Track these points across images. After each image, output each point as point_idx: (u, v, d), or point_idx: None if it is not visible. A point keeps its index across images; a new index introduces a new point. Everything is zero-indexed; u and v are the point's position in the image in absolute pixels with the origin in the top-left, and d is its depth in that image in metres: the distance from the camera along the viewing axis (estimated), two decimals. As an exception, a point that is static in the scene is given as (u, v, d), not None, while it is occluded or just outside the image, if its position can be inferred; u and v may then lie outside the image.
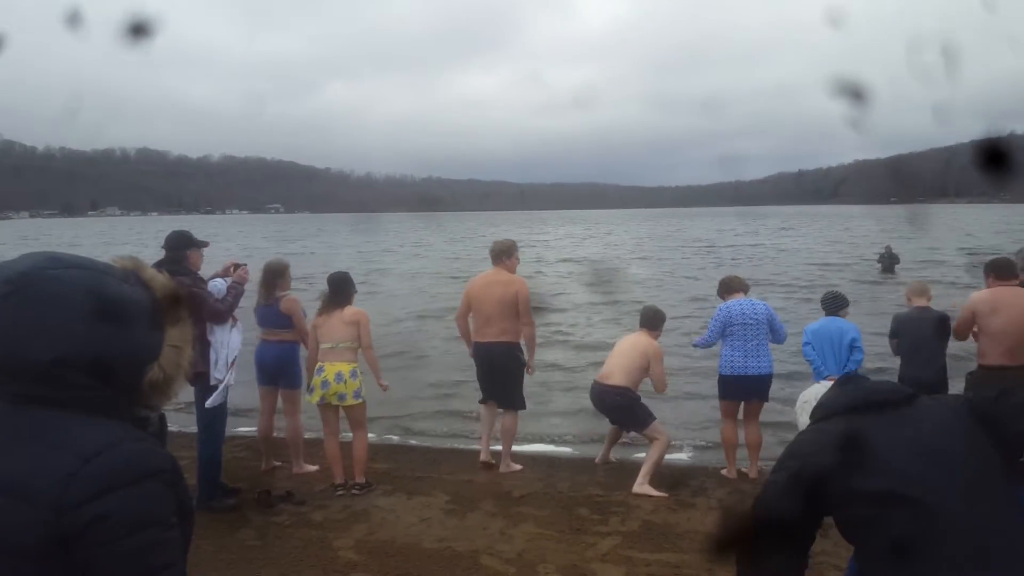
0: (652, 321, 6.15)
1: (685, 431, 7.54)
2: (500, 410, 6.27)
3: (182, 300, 1.30)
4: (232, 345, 5.13)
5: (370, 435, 6.20)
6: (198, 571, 4.04)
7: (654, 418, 5.88)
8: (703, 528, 4.83)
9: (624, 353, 6.00)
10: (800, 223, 77.79)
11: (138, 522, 1.09)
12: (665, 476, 5.94)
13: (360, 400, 5.52)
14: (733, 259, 31.39)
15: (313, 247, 43.75)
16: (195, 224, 5.34)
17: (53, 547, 1.06)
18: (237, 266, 5.26)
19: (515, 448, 6.53)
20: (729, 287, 6.21)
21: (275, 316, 5.80)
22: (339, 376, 5.39)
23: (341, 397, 5.43)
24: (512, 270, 6.18)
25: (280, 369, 5.85)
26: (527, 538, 4.73)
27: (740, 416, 6.09)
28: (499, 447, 6.24)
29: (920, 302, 5.94)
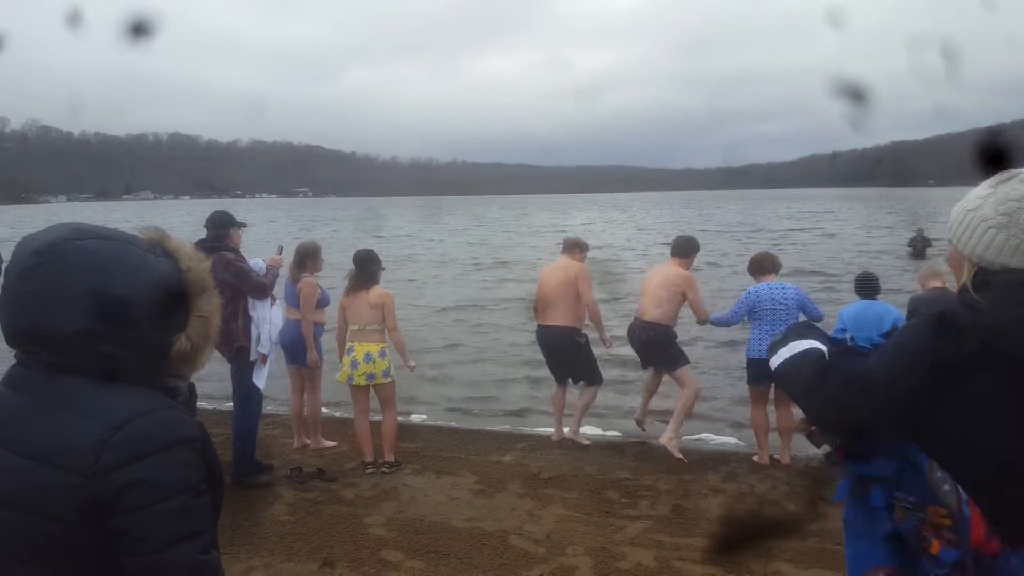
0: (683, 249, 6.08)
1: (713, 409, 7.49)
2: (576, 389, 6.48)
3: (208, 271, 1.29)
4: (274, 321, 5.30)
5: (413, 418, 6.58)
6: (232, 545, 4.15)
7: (687, 361, 5.80)
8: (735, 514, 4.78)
9: (655, 287, 5.96)
10: (835, 206, 76.38)
11: (169, 488, 1.12)
12: (696, 462, 5.90)
13: (390, 379, 5.55)
14: (773, 245, 30.80)
15: (349, 233, 43.62)
16: (226, 207, 5.42)
17: (86, 512, 1.09)
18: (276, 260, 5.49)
19: (540, 430, 6.66)
20: (761, 267, 5.97)
21: (295, 295, 5.87)
22: (368, 356, 5.42)
23: (371, 377, 5.46)
24: (580, 262, 6.28)
25: (299, 348, 5.89)
26: (555, 520, 4.73)
27: (771, 399, 5.94)
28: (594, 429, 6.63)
29: (935, 283, 5.42)
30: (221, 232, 5.21)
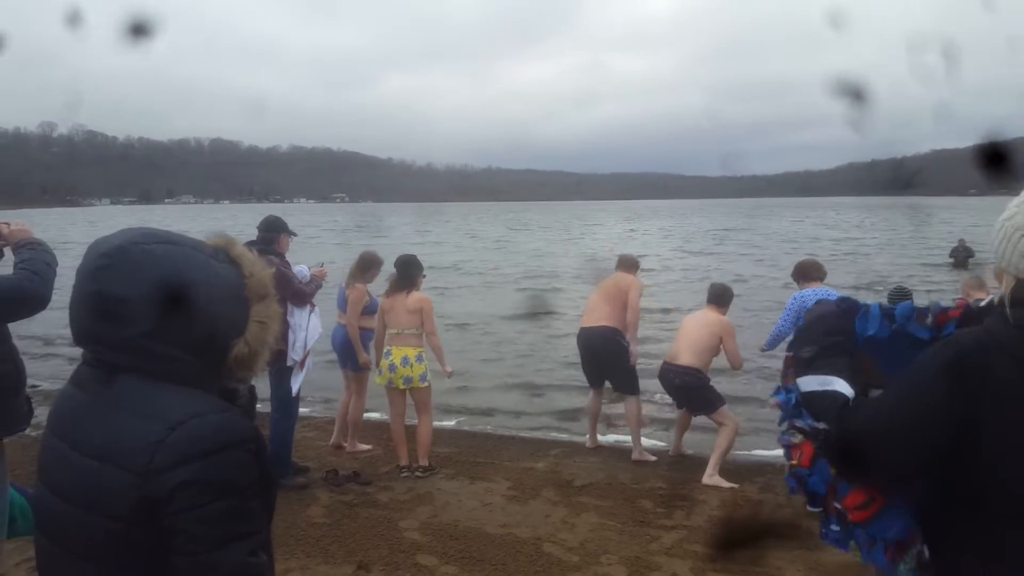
0: (721, 298, 6.12)
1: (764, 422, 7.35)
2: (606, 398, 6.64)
3: (269, 278, 1.32)
4: (311, 329, 5.36)
5: (446, 423, 6.63)
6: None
7: (723, 402, 5.77)
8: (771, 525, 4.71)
9: (692, 332, 5.94)
10: (872, 215, 74.74)
11: (221, 489, 1.13)
12: (731, 471, 5.82)
13: (426, 384, 5.60)
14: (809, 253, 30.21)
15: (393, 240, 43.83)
16: (265, 212, 5.54)
17: (141, 511, 1.11)
18: (318, 270, 5.61)
19: (573, 438, 6.74)
20: (806, 274, 5.90)
21: (346, 300, 6.04)
22: (405, 360, 5.49)
23: (407, 380, 5.52)
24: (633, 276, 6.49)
25: (347, 352, 6.08)
26: (589, 528, 4.70)
27: None
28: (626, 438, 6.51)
29: (979, 295, 5.40)
30: (270, 235, 5.30)
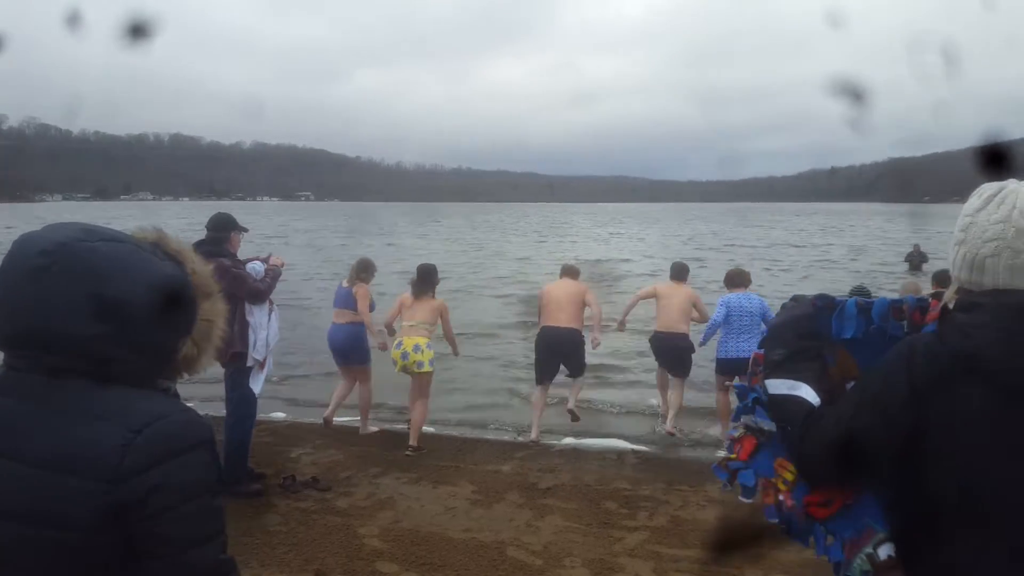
0: (683, 273, 7.57)
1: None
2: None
3: (212, 274, 1.29)
4: (272, 328, 5.22)
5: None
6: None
7: None
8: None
9: (678, 304, 7.13)
10: (835, 221, 76.39)
11: (192, 489, 1.12)
12: (693, 472, 5.85)
13: (431, 369, 6.35)
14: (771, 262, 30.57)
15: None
16: (227, 210, 5.49)
17: (106, 518, 1.07)
18: (264, 260, 5.38)
19: (548, 441, 6.90)
20: (733, 281, 7.08)
21: (348, 297, 6.67)
22: (416, 347, 6.29)
23: (419, 365, 6.30)
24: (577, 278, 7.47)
25: (351, 347, 6.69)
26: (553, 530, 4.66)
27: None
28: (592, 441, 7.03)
29: None
30: (221, 235, 5.11)
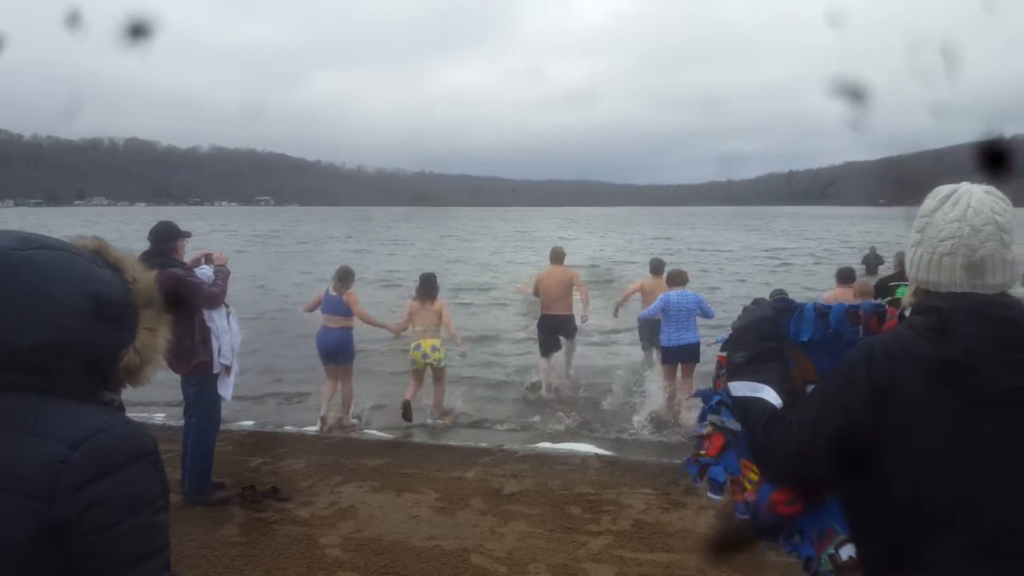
0: (660, 268, 8.98)
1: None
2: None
3: (154, 282, 1.24)
4: (234, 331, 5.14)
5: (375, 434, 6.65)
6: (177, 568, 3.96)
7: None
8: (695, 528, 4.77)
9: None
10: (794, 225, 77.84)
11: (133, 505, 1.08)
12: (655, 474, 5.90)
13: (445, 364, 7.85)
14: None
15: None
16: (184, 215, 5.42)
17: (43, 537, 1.03)
18: (208, 255, 5.25)
19: (512, 447, 6.91)
20: (673, 280, 8.19)
21: (338, 305, 7.49)
22: (434, 348, 7.64)
23: (439, 362, 7.70)
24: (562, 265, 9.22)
25: (339, 350, 7.51)
26: (517, 537, 4.65)
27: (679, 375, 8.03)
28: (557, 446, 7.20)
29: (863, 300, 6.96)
30: (167, 246, 4.99)
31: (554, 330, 8.87)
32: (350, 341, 7.60)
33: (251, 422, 7.69)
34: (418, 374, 7.76)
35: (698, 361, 7.92)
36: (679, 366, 7.99)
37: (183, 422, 5.27)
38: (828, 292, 8.34)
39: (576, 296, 9.06)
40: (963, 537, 1.31)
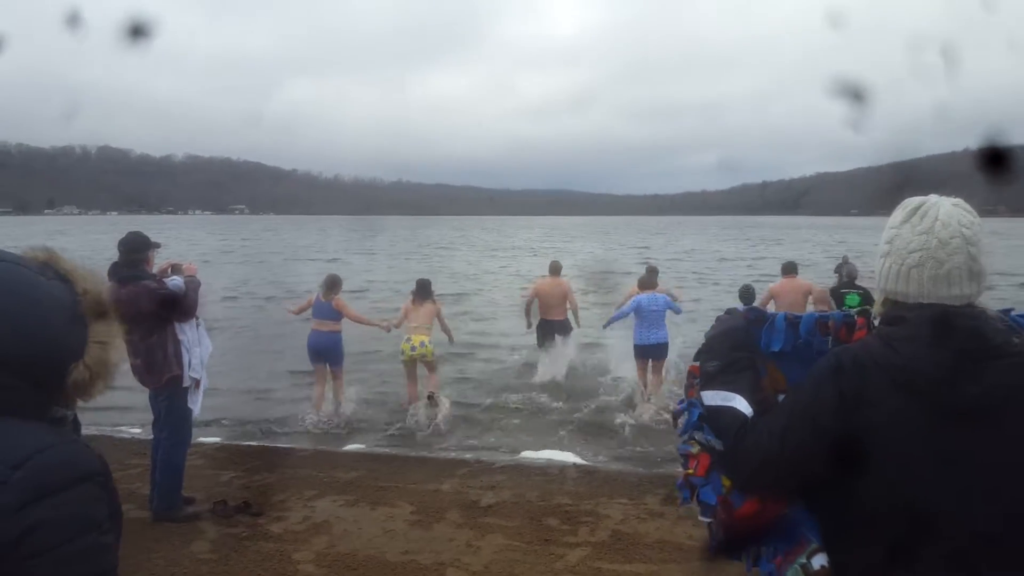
0: (653, 276, 9.64)
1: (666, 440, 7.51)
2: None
3: (106, 293, 1.20)
4: (204, 343, 5.06)
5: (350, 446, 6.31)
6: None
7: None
8: (673, 538, 4.76)
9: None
10: (774, 234, 78.78)
11: (76, 528, 1.03)
12: (632, 484, 5.88)
13: (434, 355, 8.64)
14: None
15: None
16: (156, 224, 5.34)
17: None
18: (174, 266, 5.13)
19: (488, 458, 6.88)
20: (644, 284, 9.11)
21: (329, 310, 8.18)
22: (423, 343, 8.44)
23: (426, 355, 8.48)
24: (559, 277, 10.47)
25: (329, 351, 8.22)
26: (494, 550, 4.60)
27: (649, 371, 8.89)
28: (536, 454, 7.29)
29: (822, 308, 8.26)
30: (138, 256, 4.88)
31: (551, 332, 10.11)
32: (339, 343, 8.29)
33: (217, 438, 7.53)
34: (410, 368, 8.58)
35: (666, 357, 8.90)
36: (649, 361, 8.90)
37: (152, 436, 5.16)
38: (773, 284, 9.65)
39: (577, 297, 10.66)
40: (934, 545, 1.32)
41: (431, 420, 8.00)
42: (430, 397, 8.25)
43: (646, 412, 8.27)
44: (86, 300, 1.15)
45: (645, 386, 8.83)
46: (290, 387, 9.77)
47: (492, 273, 30.49)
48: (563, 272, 10.64)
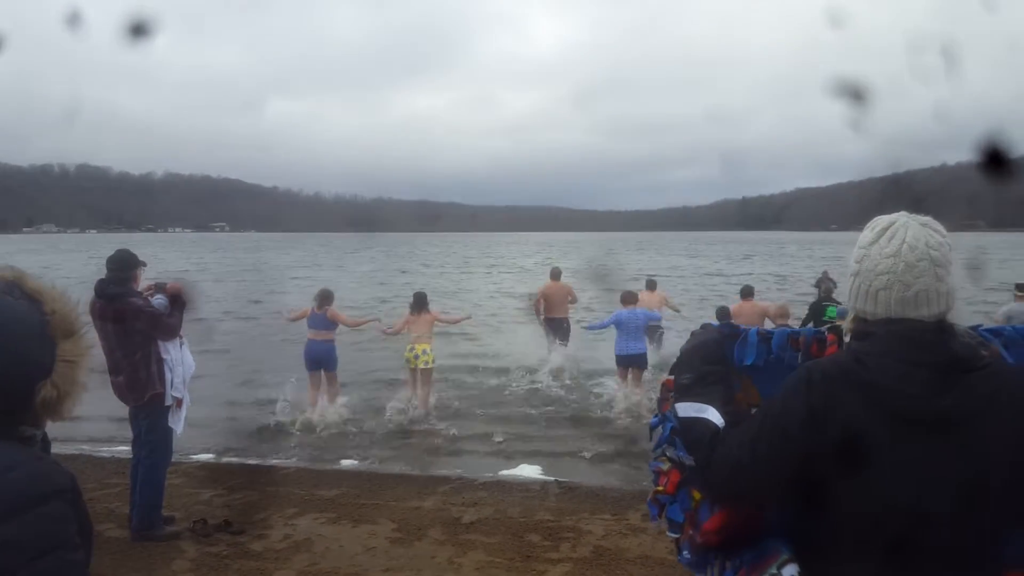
0: (653, 285, 12.40)
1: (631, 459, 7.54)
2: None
3: (75, 312, 1.22)
4: (187, 362, 5.04)
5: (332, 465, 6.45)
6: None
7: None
8: (654, 553, 4.78)
9: (655, 304, 11.43)
10: (753, 249, 79.44)
11: (46, 545, 1.04)
12: (614, 500, 5.90)
13: (434, 366, 9.43)
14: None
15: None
16: (136, 242, 5.31)
17: None
18: (158, 285, 5.13)
19: (468, 475, 6.85)
20: (625, 299, 9.91)
21: (324, 321, 8.92)
22: (425, 351, 9.29)
23: (426, 364, 9.26)
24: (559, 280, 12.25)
25: (325, 358, 8.93)
26: (476, 567, 4.60)
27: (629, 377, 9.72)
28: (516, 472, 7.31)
29: (782, 322, 8.96)
30: (126, 274, 4.87)
31: (555, 327, 11.82)
32: (333, 351, 9.03)
33: (209, 456, 7.48)
34: (412, 372, 9.47)
35: (645, 367, 9.79)
36: (629, 370, 9.78)
37: (132, 455, 5.12)
38: (733, 305, 10.59)
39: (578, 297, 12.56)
40: (903, 556, 1.34)
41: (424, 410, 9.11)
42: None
43: (622, 404, 9.43)
44: (54, 320, 1.16)
45: (624, 394, 9.74)
46: (270, 403, 9.75)
47: (472, 291, 30.45)
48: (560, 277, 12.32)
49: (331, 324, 8.96)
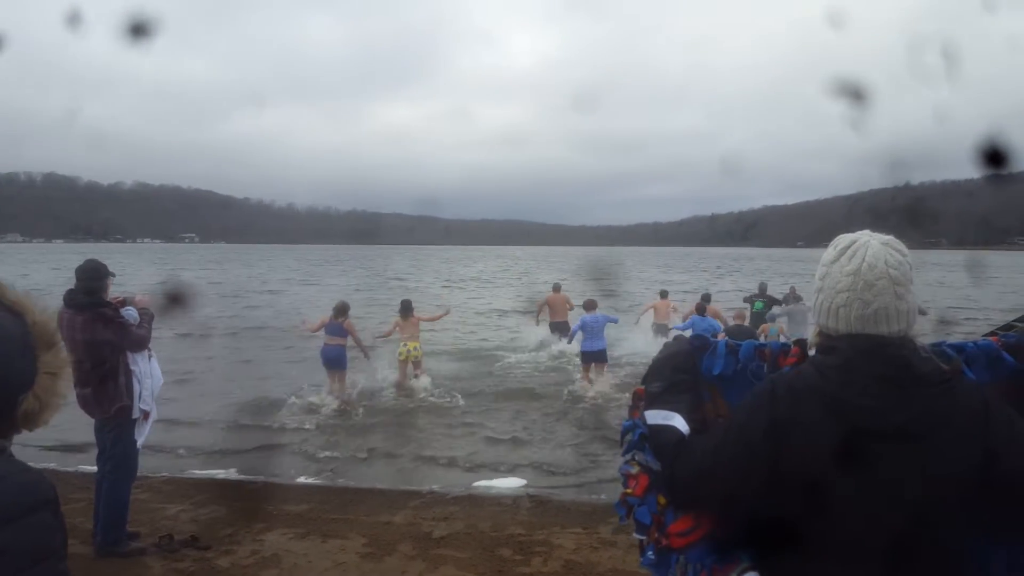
0: (664, 295, 15.71)
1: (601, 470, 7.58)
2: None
3: (54, 323, 1.22)
4: (155, 375, 4.98)
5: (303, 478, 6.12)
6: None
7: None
8: (625, 567, 4.81)
9: (664, 309, 15.27)
10: (724, 264, 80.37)
11: (37, 554, 1.05)
12: (586, 513, 5.92)
13: (421, 356, 11.76)
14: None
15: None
16: (104, 252, 5.23)
17: None
18: (126, 298, 5.04)
19: (440, 489, 6.79)
20: (587, 306, 11.90)
21: (339, 329, 10.79)
22: (415, 347, 11.58)
23: (416, 358, 11.57)
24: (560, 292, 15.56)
25: (338, 360, 10.80)
26: (446, 582, 4.58)
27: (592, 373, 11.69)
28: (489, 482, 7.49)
29: (738, 322, 12.05)
30: (97, 284, 4.79)
31: (557, 328, 14.88)
32: (344, 354, 10.88)
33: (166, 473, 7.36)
34: (403, 365, 11.62)
35: (606, 362, 11.92)
36: (592, 365, 11.80)
37: (96, 469, 5.02)
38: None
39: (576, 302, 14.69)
40: (860, 566, 1.37)
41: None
42: (416, 377, 11.59)
43: (587, 392, 11.32)
44: (35, 331, 1.16)
45: (589, 382, 11.74)
46: (249, 416, 9.74)
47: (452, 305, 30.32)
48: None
49: (344, 332, 10.74)
